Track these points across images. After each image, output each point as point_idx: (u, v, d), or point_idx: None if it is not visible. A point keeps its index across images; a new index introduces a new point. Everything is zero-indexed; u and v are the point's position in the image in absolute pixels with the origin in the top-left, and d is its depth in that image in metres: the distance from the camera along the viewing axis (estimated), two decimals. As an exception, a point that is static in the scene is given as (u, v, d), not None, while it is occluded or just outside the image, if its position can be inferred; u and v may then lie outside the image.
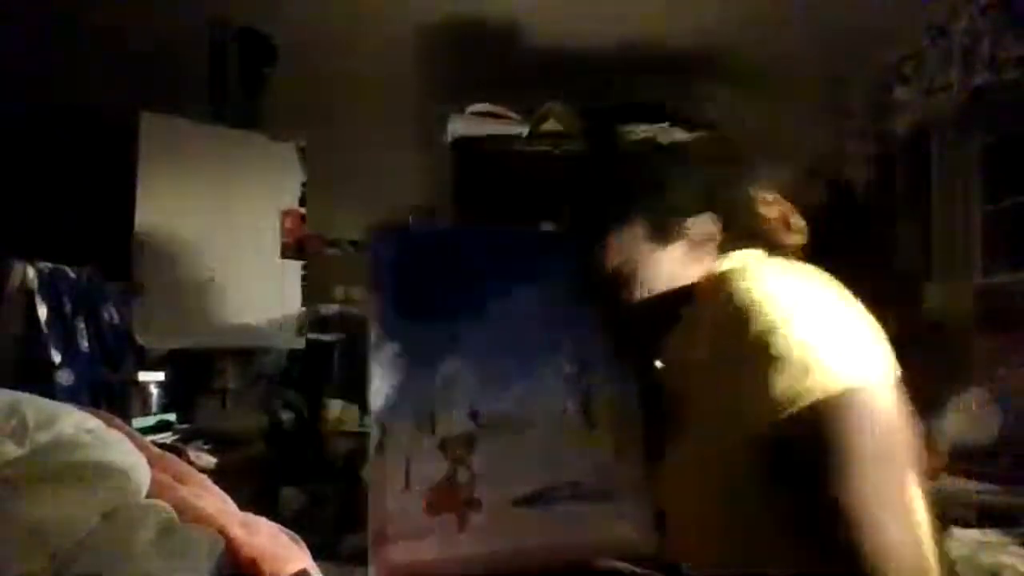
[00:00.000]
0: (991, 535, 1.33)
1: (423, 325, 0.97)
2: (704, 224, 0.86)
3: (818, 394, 0.65)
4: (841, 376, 0.66)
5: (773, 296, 0.72)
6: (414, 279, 0.99)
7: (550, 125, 2.82)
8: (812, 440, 0.64)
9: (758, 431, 0.67)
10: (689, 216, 0.85)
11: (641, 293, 0.85)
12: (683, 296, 0.84)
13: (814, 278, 0.80)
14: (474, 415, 0.96)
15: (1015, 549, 1.26)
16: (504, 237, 1.03)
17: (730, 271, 0.82)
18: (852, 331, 0.72)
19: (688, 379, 0.82)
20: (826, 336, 0.69)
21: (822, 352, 0.67)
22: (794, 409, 0.65)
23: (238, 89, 2.47)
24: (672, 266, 0.84)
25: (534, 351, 0.98)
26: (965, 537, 1.32)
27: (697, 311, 0.82)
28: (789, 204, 0.96)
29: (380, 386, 0.95)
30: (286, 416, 2.38)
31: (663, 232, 0.84)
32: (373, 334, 0.97)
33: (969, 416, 2.07)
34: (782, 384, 0.65)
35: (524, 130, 2.78)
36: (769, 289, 0.74)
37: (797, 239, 0.94)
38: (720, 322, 0.75)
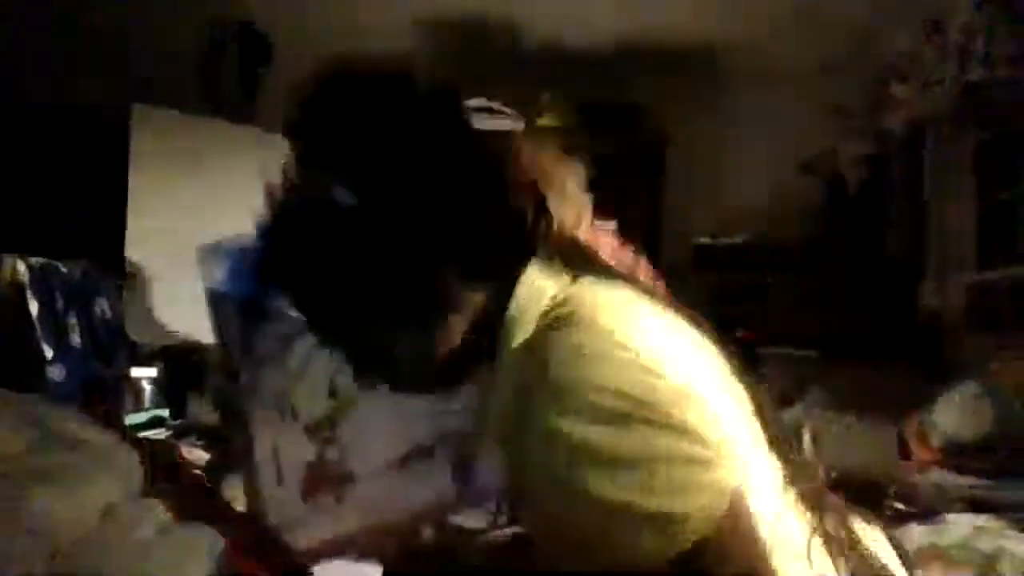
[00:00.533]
0: (986, 520, 1.34)
1: (265, 322, 0.97)
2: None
3: (715, 519, 0.51)
4: (730, 479, 0.53)
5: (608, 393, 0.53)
6: (247, 281, 1.00)
7: (547, 120, 2.81)
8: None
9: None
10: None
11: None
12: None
13: (656, 324, 0.61)
14: (332, 392, 0.96)
15: (1011, 533, 1.27)
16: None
17: (545, 332, 0.60)
18: (725, 416, 0.57)
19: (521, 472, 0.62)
20: (704, 429, 0.53)
21: (706, 459, 0.52)
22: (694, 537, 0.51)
23: (236, 87, 2.46)
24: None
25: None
26: (960, 522, 1.33)
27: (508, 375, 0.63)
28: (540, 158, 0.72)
29: (242, 388, 0.96)
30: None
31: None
32: (223, 343, 0.98)
33: (962, 410, 2.08)
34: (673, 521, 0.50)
35: (520, 125, 2.78)
36: (605, 376, 0.54)
37: (573, 204, 0.71)
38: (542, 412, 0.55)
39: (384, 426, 0.95)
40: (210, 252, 1.04)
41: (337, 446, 0.94)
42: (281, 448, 0.93)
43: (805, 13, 2.49)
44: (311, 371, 0.96)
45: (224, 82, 2.44)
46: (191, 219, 2.30)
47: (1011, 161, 2.29)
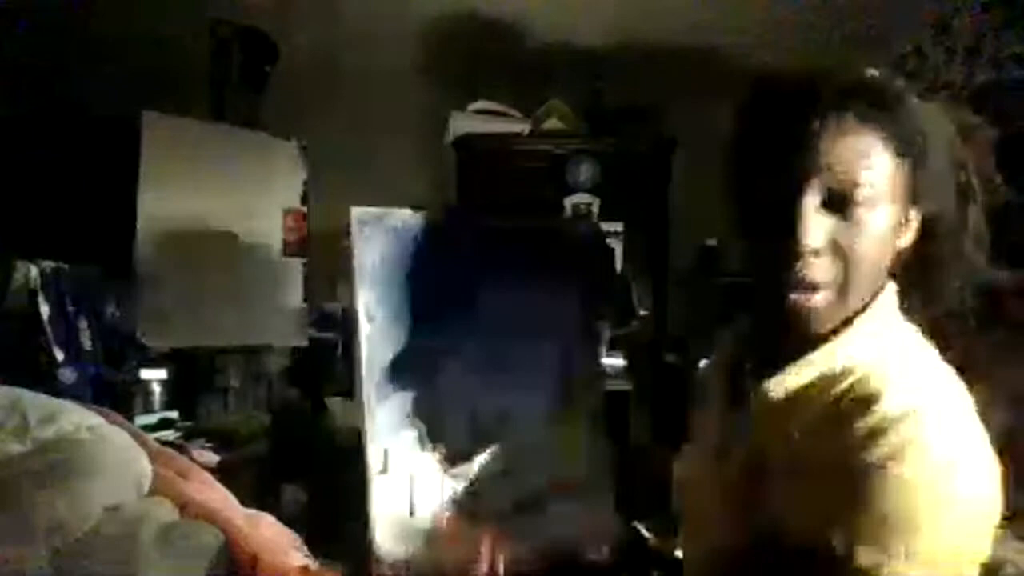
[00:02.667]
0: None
1: (417, 327, 0.90)
2: None
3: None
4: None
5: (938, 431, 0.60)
6: (403, 274, 0.90)
7: (552, 123, 2.82)
8: None
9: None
10: None
11: None
12: None
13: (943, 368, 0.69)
14: (472, 425, 0.92)
15: (1014, 544, 1.26)
16: (490, 225, 1.00)
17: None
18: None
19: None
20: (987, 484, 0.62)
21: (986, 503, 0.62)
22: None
23: (240, 88, 2.47)
24: None
25: (521, 346, 0.95)
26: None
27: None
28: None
29: (377, 402, 0.88)
30: (288, 414, 2.39)
31: None
32: (363, 339, 0.87)
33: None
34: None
35: (526, 128, 2.78)
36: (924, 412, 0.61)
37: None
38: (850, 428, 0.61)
39: (513, 467, 0.92)
40: (368, 224, 0.89)
41: (468, 481, 0.91)
42: (416, 479, 0.88)
43: (810, 13, 2.49)
44: (454, 399, 0.90)
45: (228, 81, 2.45)
46: (200, 222, 2.32)
47: (1020, 162, 2.27)
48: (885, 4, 2.44)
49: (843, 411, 0.63)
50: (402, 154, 3.09)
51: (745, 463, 0.70)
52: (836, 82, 0.66)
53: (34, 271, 1.83)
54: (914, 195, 0.66)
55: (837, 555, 0.57)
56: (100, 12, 2.34)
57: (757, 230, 0.67)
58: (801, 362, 0.67)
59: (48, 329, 1.84)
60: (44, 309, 1.84)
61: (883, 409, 0.60)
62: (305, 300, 2.59)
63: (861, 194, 0.62)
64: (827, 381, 0.66)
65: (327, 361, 2.59)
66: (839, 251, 0.63)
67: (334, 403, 2.35)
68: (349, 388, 2.46)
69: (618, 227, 2.67)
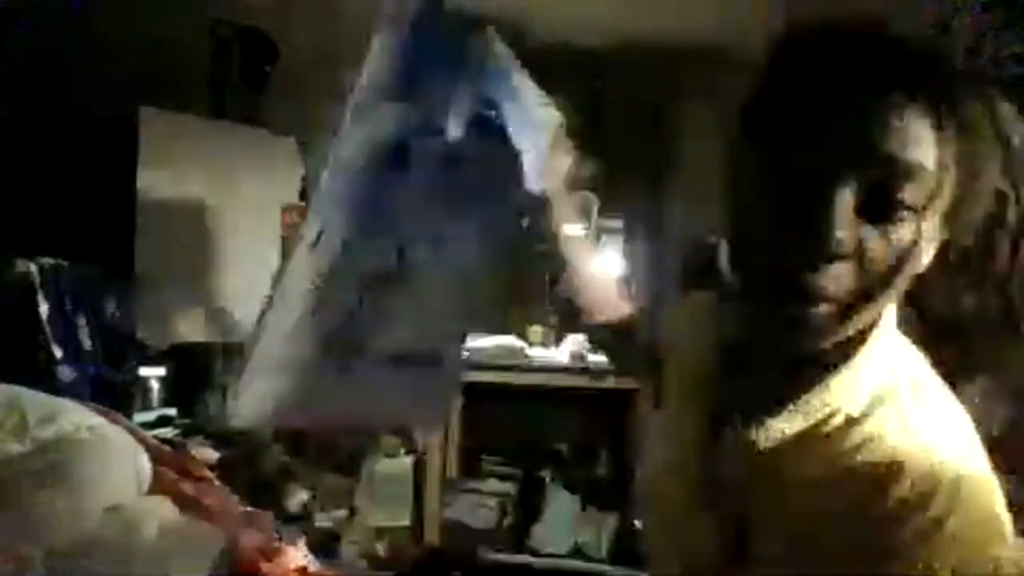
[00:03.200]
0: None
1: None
2: None
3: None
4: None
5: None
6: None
7: (552, 121, 2.82)
8: None
9: None
10: None
11: None
12: None
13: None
14: (400, 253, 0.88)
15: (1015, 541, 1.26)
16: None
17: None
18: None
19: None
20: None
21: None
22: None
23: (240, 88, 2.47)
24: None
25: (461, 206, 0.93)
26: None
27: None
28: None
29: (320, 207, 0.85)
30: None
31: None
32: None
33: (974, 408, 2.07)
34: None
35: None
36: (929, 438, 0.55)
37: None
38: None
39: (411, 316, 0.87)
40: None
41: (374, 308, 0.86)
42: (327, 284, 0.82)
43: (807, 10, 2.49)
44: (391, 217, 0.87)
45: (231, 83, 2.45)
46: (199, 218, 2.32)
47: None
48: (885, 4, 2.44)
49: (857, 475, 0.54)
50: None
51: (725, 521, 0.60)
52: (910, 55, 0.54)
53: (33, 268, 1.83)
54: (955, 213, 0.53)
55: None
56: (100, 12, 2.34)
57: (766, 222, 0.53)
58: (797, 403, 0.57)
59: (47, 327, 1.84)
60: (43, 307, 1.84)
61: (913, 477, 0.52)
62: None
63: (910, 198, 0.50)
64: (830, 429, 0.57)
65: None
66: (865, 260, 0.50)
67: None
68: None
69: (618, 225, 2.68)
